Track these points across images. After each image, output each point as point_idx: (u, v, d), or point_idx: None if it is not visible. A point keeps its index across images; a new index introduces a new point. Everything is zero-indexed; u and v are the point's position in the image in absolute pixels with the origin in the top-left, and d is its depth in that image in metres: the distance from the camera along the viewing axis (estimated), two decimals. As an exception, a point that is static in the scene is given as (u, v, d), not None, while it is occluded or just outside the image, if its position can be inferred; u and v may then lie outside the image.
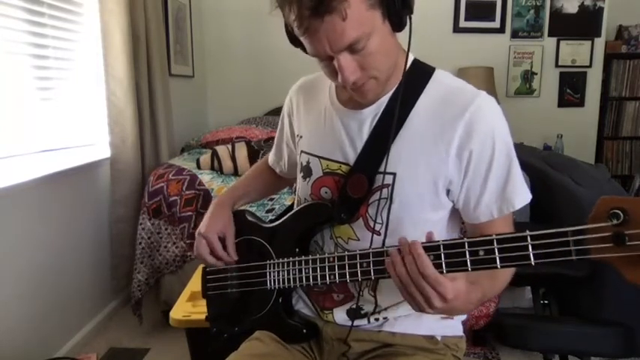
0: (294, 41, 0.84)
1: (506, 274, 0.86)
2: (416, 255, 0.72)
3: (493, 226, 0.88)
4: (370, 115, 0.89)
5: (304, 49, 0.83)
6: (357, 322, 0.95)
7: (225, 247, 1.04)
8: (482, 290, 0.80)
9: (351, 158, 0.91)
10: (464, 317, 1.02)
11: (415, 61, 0.91)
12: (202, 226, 1.06)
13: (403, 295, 0.75)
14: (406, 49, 0.88)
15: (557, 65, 3.94)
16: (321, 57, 0.80)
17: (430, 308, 0.73)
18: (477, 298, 0.79)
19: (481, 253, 0.71)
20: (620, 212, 0.62)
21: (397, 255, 0.74)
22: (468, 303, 0.77)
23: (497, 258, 0.70)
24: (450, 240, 0.75)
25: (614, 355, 1.55)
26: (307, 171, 0.98)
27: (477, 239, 0.72)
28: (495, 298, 1.99)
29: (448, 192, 0.88)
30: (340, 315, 0.96)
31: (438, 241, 0.75)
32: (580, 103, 4.00)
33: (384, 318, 0.95)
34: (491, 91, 3.61)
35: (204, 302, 1.12)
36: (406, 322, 0.95)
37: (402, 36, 0.85)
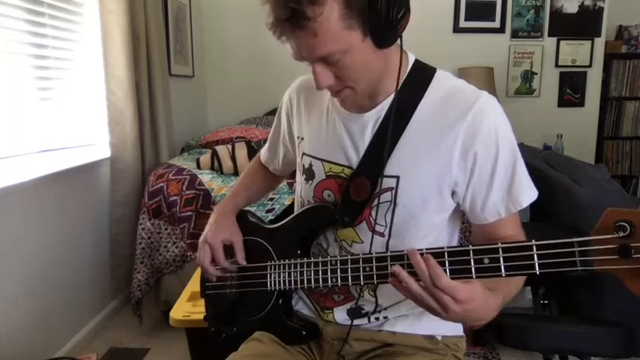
0: None
1: (520, 277, 0.84)
2: (430, 268, 0.70)
3: (502, 225, 0.88)
4: (373, 118, 0.89)
5: None
6: (357, 322, 0.95)
7: (234, 254, 1.03)
8: (502, 295, 0.78)
9: (354, 161, 0.91)
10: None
11: (416, 63, 0.91)
12: (208, 234, 1.04)
13: (419, 304, 0.73)
14: (406, 50, 0.88)
15: (557, 65, 3.94)
16: (298, 60, 0.81)
17: (446, 313, 0.71)
18: (497, 303, 0.76)
19: (486, 261, 0.72)
20: (626, 225, 0.62)
21: (403, 272, 0.72)
22: (487, 308, 0.74)
23: (502, 266, 0.71)
24: (455, 247, 0.75)
25: (614, 355, 1.55)
26: (310, 174, 0.98)
27: (482, 247, 0.73)
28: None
29: (453, 193, 0.88)
30: (340, 314, 0.96)
31: (443, 248, 0.75)
32: (580, 103, 4.00)
33: (385, 317, 0.95)
34: (492, 91, 3.60)
35: (203, 302, 1.12)
36: (406, 321, 0.95)
37: (405, 39, 0.84)
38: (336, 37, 0.74)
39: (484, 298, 0.73)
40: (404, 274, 0.72)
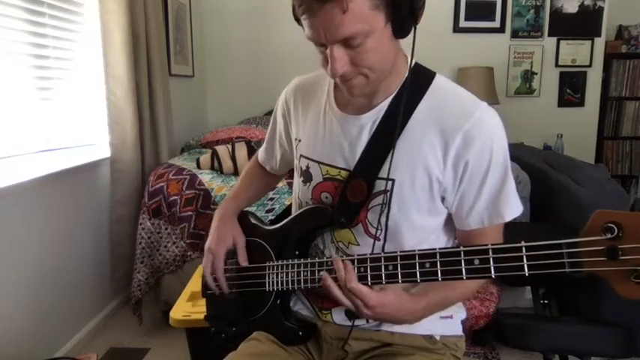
0: (298, 19, 0.83)
1: (471, 283, 0.88)
2: (346, 272, 0.80)
3: (483, 233, 0.88)
4: (370, 121, 0.89)
5: None
6: (356, 322, 0.95)
7: (235, 256, 1.04)
8: (426, 301, 0.84)
9: (351, 164, 0.91)
10: (463, 317, 1.03)
11: (416, 66, 0.90)
12: (212, 241, 1.05)
13: (341, 303, 0.82)
14: (409, 55, 0.88)
15: (557, 65, 3.94)
16: (315, 42, 0.80)
17: (361, 315, 0.82)
18: (417, 308, 0.84)
19: (476, 262, 0.73)
20: (614, 226, 0.63)
21: (329, 277, 0.83)
22: (403, 313, 0.82)
23: (492, 267, 0.72)
24: (447, 248, 0.77)
25: (614, 355, 1.55)
26: (307, 176, 0.98)
27: (473, 248, 0.74)
28: (495, 298, 1.99)
29: (443, 199, 0.89)
30: (339, 315, 0.97)
31: (435, 249, 0.77)
32: (580, 103, 4.00)
33: (384, 318, 0.95)
34: (492, 91, 3.61)
35: (204, 302, 1.13)
36: (405, 321, 0.95)
37: (405, 42, 0.85)
38: (363, 15, 0.74)
39: (397, 304, 0.81)
40: (329, 279, 0.82)
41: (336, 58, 0.78)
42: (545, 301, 1.88)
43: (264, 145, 1.20)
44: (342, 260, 0.82)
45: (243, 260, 1.03)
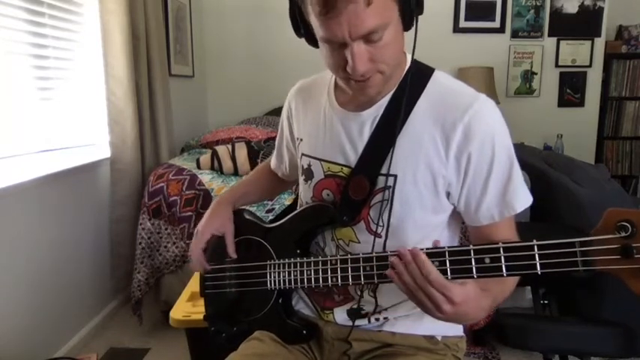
0: (299, 29, 0.83)
1: (514, 278, 0.85)
2: (420, 262, 0.72)
3: (495, 229, 0.88)
4: (370, 117, 0.89)
5: (309, 39, 0.83)
6: (357, 322, 0.95)
7: (224, 247, 1.04)
8: (492, 296, 0.80)
9: (352, 160, 0.91)
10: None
11: (414, 62, 0.90)
12: (200, 224, 1.08)
13: (413, 301, 0.75)
14: (407, 52, 0.88)
15: (557, 65, 3.94)
16: (334, 43, 0.78)
17: (439, 312, 0.73)
18: (488, 304, 0.79)
19: (487, 260, 0.72)
20: (628, 225, 0.62)
21: (400, 264, 0.74)
22: (478, 309, 0.77)
23: (504, 266, 0.71)
24: (456, 247, 0.75)
25: (614, 355, 1.55)
26: (309, 174, 0.98)
27: (484, 247, 0.73)
28: (495, 298, 1.99)
29: (448, 195, 0.88)
30: (341, 315, 0.97)
31: (444, 248, 0.75)
32: (580, 103, 4.00)
33: (385, 318, 0.95)
34: (492, 91, 3.61)
35: (203, 302, 1.12)
36: (406, 322, 0.95)
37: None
38: (384, 7, 0.75)
39: (477, 300, 0.75)
40: (401, 267, 0.74)
41: (357, 55, 0.77)
42: (545, 301, 1.88)
43: (274, 152, 1.20)
44: (413, 251, 0.73)
45: (231, 251, 1.03)
